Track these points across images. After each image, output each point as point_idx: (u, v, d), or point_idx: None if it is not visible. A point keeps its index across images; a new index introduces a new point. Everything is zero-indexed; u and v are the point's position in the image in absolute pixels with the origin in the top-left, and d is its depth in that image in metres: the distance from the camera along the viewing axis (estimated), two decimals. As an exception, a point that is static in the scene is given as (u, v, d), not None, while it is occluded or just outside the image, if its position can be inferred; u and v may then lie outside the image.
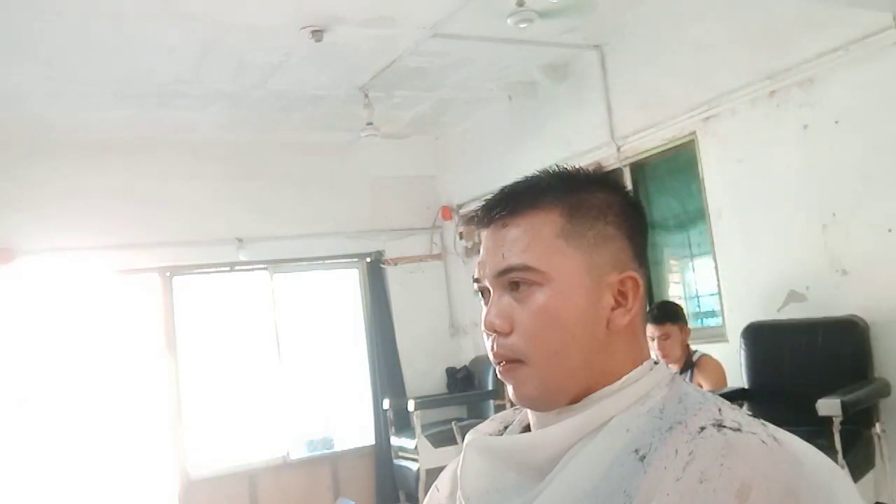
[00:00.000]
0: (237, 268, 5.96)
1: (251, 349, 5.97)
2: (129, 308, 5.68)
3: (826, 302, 3.61)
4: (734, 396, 3.61)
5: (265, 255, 5.94)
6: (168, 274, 5.71)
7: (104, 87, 4.61)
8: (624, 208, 0.89)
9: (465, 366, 6.32)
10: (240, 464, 5.74)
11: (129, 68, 4.35)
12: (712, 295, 4.36)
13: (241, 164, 5.89)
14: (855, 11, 3.33)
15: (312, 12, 3.87)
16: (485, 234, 0.89)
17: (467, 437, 0.92)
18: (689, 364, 3.71)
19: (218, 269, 5.94)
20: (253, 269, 6.01)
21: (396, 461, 5.79)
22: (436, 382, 6.36)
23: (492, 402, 5.57)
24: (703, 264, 4.49)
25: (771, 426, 0.77)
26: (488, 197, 0.91)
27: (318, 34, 4.04)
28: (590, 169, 0.93)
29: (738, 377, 3.79)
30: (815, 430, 2.95)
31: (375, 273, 6.34)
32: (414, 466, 5.43)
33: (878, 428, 3.27)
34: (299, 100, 5.23)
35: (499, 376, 0.87)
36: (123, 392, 5.52)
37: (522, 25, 3.86)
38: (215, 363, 5.85)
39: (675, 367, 3.69)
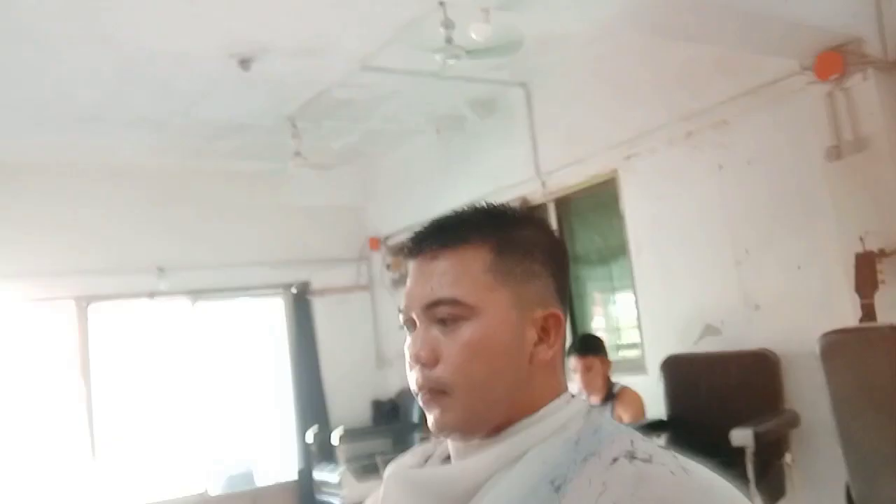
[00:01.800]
0: (157, 297, 5.80)
1: (171, 380, 5.80)
2: (44, 338, 5.45)
3: (740, 335, 3.75)
4: (653, 427, 3.69)
5: (187, 284, 5.81)
6: (84, 303, 5.52)
7: (22, 110, 4.47)
8: (550, 247, 0.91)
9: (391, 398, 6.28)
10: (157, 501, 5.53)
11: (49, 91, 4.23)
12: (633, 328, 4.47)
13: (164, 191, 5.76)
14: (765, 58, 3.50)
15: (240, 41, 3.86)
16: (413, 265, 0.90)
17: (387, 469, 0.93)
18: (610, 395, 3.78)
19: (137, 297, 5.77)
20: (174, 299, 5.86)
21: (319, 496, 5.69)
22: (362, 415, 6.30)
23: (417, 434, 5.54)
24: (624, 298, 4.60)
25: (681, 457, 0.80)
26: (417, 228, 0.92)
27: (245, 63, 4.02)
28: (517, 207, 0.95)
29: (657, 408, 3.88)
30: (729, 460, 3.05)
31: (301, 303, 6.27)
32: (337, 501, 5.35)
33: (788, 458, 3.39)
34: (225, 128, 5.18)
35: (420, 405, 0.88)
36: (36, 425, 5.27)
37: (450, 62, 3.91)
38: (133, 395, 5.65)
39: (596, 399, 3.75)
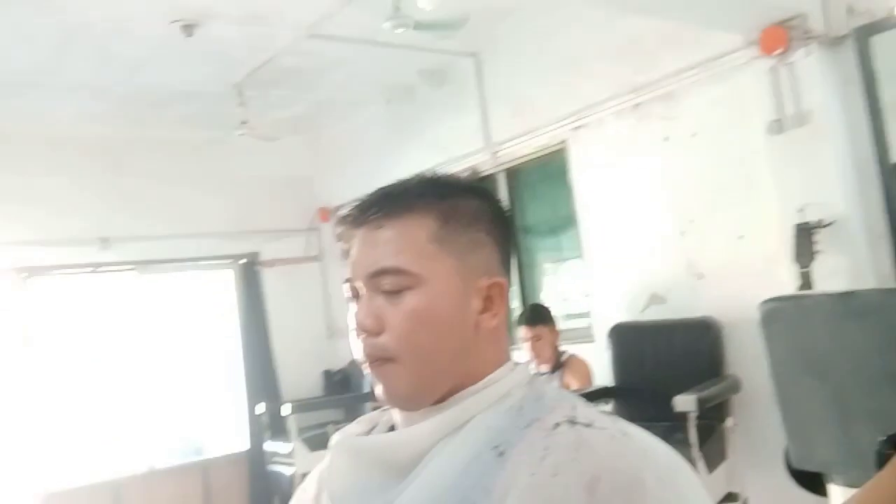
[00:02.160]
0: (102, 269, 5.68)
1: (117, 353, 5.71)
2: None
3: (684, 304, 3.83)
4: (599, 395, 3.77)
5: (133, 255, 5.70)
6: (25, 275, 5.37)
7: (-47, 75, 4.30)
8: (495, 216, 0.92)
9: (342, 368, 6.28)
10: (103, 474, 5.47)
11: (-18, 56, 4.08)
12: (581, 297, 4.53)
13: (106, 159, 5.61)
14: (711, 32, 3.55)
15: (183, 5, 3.76)
16: (358, 235, 0.90)
17: (334, 437, 0.93)
18: (558, 364, 3.84)
19: (80, 269, 5.64)
20: (119, 270, 5.75)
21: (271, 466, 5.69)
22: (312, 385, 6.30)
23: (368, 404, 5.56)
24: (573, 267, 4.66)
25: (622, 421, 0.82)
26: (363, 198, 0.92)
27: (189, 28, 3.92)
28: (463, 177, 0.95)
29: (604, 376, 3.95)
30: (673, 425, 3.13)
31: (250, 275, 6.21)
32: (289, 471, 5.35)
33: (729, 422, 3.49)
34: (169, 95, 5.06)
35: (367, 375, 0.88)
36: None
37: (399, 30, 3.88)
38: (78, 368, 5.55)
39: (546, 367, 3.81)
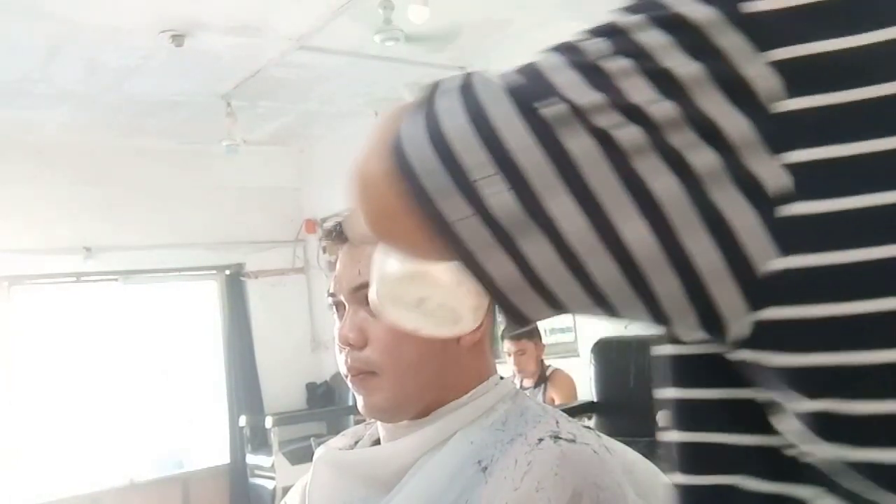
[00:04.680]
0: (84, 278, 5.64)
1: (98, 364, 5.65)
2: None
3: (669, 319, 3.83)
4: (583, 409, 3.76)
5: (117, 265, 5.65)
6: (6, 284, 5.32)
7: (-63, 81, 4.27)
8: None
9: (325, 381, 6.26)
10: (83, 486, 5.40)
11: (-32, 62, 4.05)
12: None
13: (92, 168, 5.57)
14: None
15: (173, 16, 3.75)
16: (342, 249, 0.90)
17: (317, 451, 0.93)
18: (542, 378, 3.84)
19: (63, 279, 5.59)
20: (102, 280, 5.70)
21: (252, 480, 5.64)
22: (296, 398, 6.26)
23: (352, 417, 5.53)
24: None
25: (605, 437, 0.82)
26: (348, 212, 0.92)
27: (178, 39, 3.91)
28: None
29: (589, 391, 3.95)
30: (656, 441, 3.12)
31: (235, 286, 6.18)
32: (270, 485, 5.31)
33: (712, 437, 3.49)
34: (157, 105, 5.04)
35: (351, 388, 0.88)
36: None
37: (389, 44, 3.89)
38: (57, 379, 5.49)
39: (529, 381, 3.81)
